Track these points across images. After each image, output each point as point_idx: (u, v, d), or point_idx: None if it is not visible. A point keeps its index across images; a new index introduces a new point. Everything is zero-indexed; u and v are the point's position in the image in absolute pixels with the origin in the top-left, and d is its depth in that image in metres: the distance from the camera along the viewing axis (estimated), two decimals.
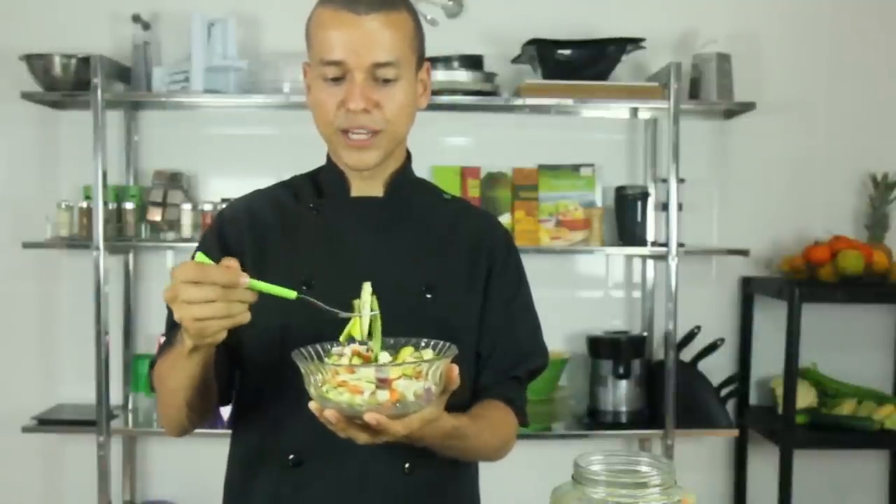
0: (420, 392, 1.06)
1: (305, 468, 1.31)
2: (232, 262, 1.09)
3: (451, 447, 1.27)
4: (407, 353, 1.14)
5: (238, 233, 1.38)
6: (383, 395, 1.04)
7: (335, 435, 1.29)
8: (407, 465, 1.30)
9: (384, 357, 1.11)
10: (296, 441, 1.31)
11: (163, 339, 1.35)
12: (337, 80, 1.29)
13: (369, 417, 1.04)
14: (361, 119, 1.28)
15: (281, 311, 1.31)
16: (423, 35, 1.38)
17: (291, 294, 1.12)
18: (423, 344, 1.15)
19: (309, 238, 1.35)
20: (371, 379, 1.05)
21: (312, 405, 1.09)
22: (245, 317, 1.10)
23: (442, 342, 1.15)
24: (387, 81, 1.29)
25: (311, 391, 1.08)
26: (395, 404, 1.04)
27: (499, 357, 1.40)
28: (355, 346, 1.13)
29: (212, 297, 1.06)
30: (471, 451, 1.35)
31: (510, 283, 1.43)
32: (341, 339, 1.15)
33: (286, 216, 1.39)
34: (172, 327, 1.37)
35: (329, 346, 1.15)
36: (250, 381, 1.38)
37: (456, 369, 1.12)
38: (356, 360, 1.11)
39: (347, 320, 1.14)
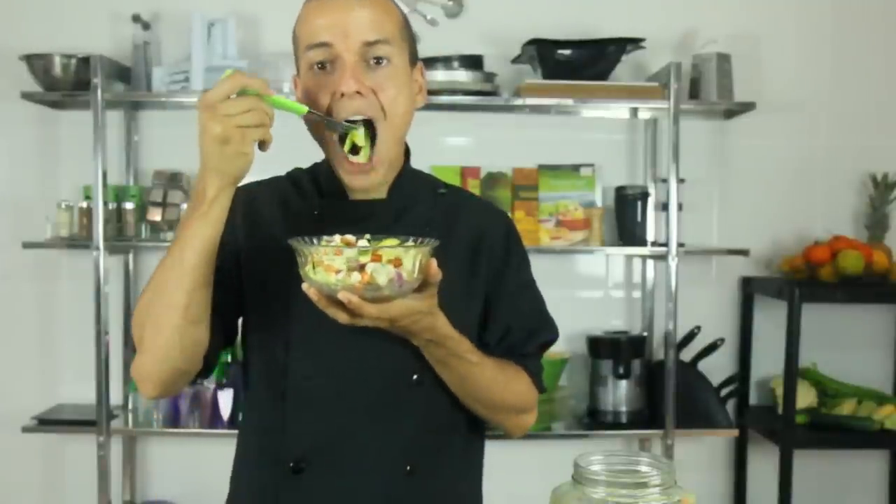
0: (392, 276, 1.10)
1: (306, 475, 1.30)
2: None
3: (449, 364, 1.26)
4: (389, 242, 1.17)
5: (239, 217, 1.33)
6: (355, 277, 1.09)
7: (336, 440, 1.29)
8: (408, 468, 1.30)
9: (362, 244, 1.16)
10: (296, 448, 1.30)
11: None
12: (324, 68, 1.26)
13: (342, 296, 1.09)
14: (356, 103, 1.25)
15: (280, 315, 1.31)
16: (412, 33, 1.36)
17: (302, 109, 1.21)
18: (410, 240, 1.18)
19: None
20: (343, 262, 1.10)
21: (304, 285, 1.13)
22: (269, 133, 1.16)
23: (426, 238, 1.17)
24: (379, 62, 1.26)
25: (301, 272, 1.14)
26: (365, 286, 1.09)
27: (509, 340, 1.39)
28: (347, 236, 1.17)
29: (251, 107, 1.12)
30: (479, 385, 1.32)
31: (513, 270, 1.42)
32: (345, 149, 1.27)
33: (288, 215, 1.36)
34: None
35: (328, 237, 1.19)
36: (253, 386, 1.38)
37: (434, 262, 1.14)
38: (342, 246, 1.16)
39: None
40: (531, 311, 1.44)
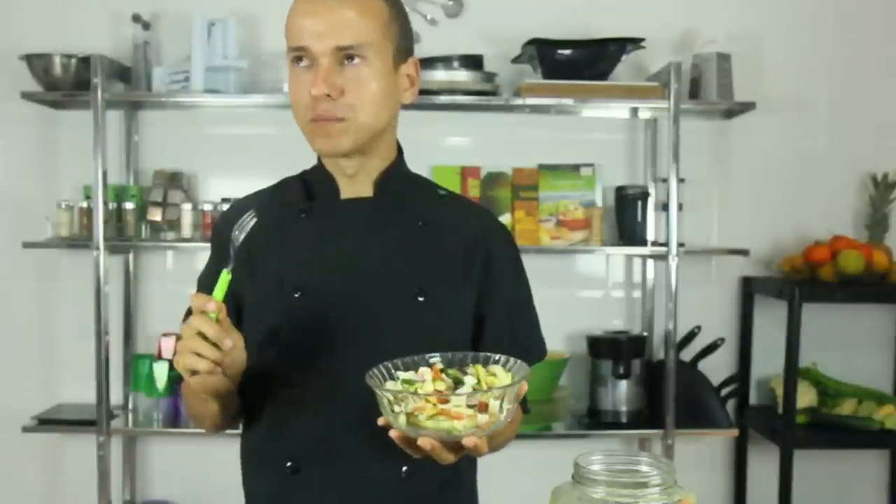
0: (510, 410, 1.07)
1: (303, 475, 1.30)
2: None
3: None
4: (481, 371, 1.14)
5: (229, 246, 1.37)
6: (483, 419, 1.04)
7: (332, 441, 1.29)
8: (405, 469, 1.29)
9: (469, 380, 1.11)
10: (293, 448, 1.31)
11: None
12: (308, 68, 1.27)
13: (469, 442, 1.05)
14: (325, 105, 1.26)
15: (271, 315, 1.31)
16: (405, 28, 1.35)
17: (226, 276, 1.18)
18: (482, 358, 1.16)
19: (299, 243, 1.33)
20: (473, 403, 1.05)
21: (395, 434, 1.08)
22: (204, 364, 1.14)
23: (504, 357, 1.15)
24: (352, 60, 1.26)
25: (398, 420, 1.06)
26: (490, 425, 1.05)
27: None
28: (431, 370, 1.12)
29: (189, 333, 1.14)
30: (493, 449, 1.34)
31: (509, 282, 1.41)
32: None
33: (275, 222, 1.37)
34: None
35: (391, 368, 1.14)
36: (247, 388, 1.38)
37: (526, 386, 1.12)
38: (440, 385, 1.10)
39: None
40: (526, 330, 1.44)
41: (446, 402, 1.04)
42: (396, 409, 1.06)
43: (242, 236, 1.21)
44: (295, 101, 1.30)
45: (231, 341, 1.14)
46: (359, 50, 1.26)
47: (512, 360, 1.14)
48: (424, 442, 1.05)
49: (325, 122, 1.27)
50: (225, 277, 1.17)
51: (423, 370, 1.13)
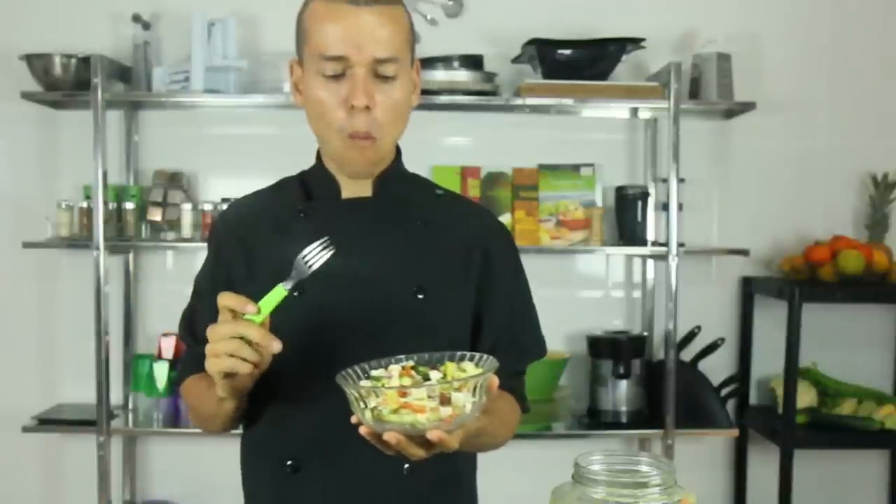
0: (475, 403, 1.07)
1: (303, 474, 1.31)
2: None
3: (469, 444, 1.26)
4: (451, 367, 1.14)
5: (230, 246, 1.38)
6: (446, 411, 1.04)
7: (332, 440, 1.29)
8: (406, 466, 1.30)
9: (434, 375, 1.12)
10: (293, 446, 1.31)
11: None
12: (337, 76, 1.26)
13: (433, 435, 1.04)
14: (363, 118, 1.26)
15: (277, 323, 1.31)
16: (415, 33, 1.37)
17: (282, 291, 1.16)
18: (457, 356, 1.16)
19: (299, 243, 1.34)
20: (434, 395, 1.05)
21: (364, 430, 1.07)
22: (245, 367, 1.14)
23: (478, 354, 1.16)
24: (386, 78, 1.27)
25: (365, 415, 1.07)
26: (455, 419, 1.05)
27: (500, 356, 1.39)
28: (400, 367, 1.13)
29: (225, 335, 1.13)
30: (486, 446, 1.36)
31: (509, 282, 1.42)
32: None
33: (275, 222, 1.38)
34: (191, 333, 1.40)
35: (367, 368, 1.15)
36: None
37: (497, 380, 1.12)
38: (406, 380, 1.10)
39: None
40: (525, 329, 1.44)
41: (405, 395, 1.05)
42: (362, 405, 1.07)
43: (316, 266, 1.17)
44: (323, 112, 1.28)
45: (279, 344, 1.14)
46: (394, 62, 1.27)
47: (484, 356, 1.15)
48: (390, 436, 1.05)
49: (360, 141, 1.28)
50: (280, 292, 1.15)
51: (392, 367, 1.14)
